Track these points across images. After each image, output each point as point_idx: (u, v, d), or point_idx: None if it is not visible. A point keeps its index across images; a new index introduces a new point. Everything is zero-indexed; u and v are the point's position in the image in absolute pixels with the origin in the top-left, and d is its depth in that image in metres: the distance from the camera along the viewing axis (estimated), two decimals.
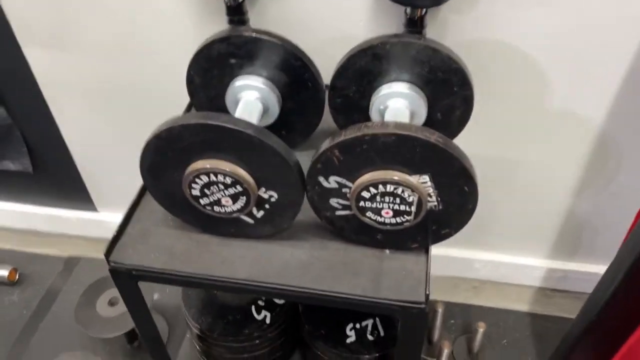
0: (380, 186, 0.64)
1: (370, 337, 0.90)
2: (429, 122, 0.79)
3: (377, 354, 0.88)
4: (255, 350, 0.94)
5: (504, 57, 0.99)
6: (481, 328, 1.32)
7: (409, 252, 0.74)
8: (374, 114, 0.79)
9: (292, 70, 0.78)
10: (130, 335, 1.43)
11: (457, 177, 0.63)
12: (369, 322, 0.92)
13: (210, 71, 0.80)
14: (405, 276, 0.71)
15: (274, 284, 0.71)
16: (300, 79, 0.79)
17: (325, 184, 0.67)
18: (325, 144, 0.64)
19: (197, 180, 0.67)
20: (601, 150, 1.10)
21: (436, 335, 1.40)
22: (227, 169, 0.65)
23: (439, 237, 0.71)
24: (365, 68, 0.76)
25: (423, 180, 0.64)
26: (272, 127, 0.83)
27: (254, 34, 0.75)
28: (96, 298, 1.35)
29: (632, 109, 1.02)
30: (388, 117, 0.76)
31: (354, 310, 0.93)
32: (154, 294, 1.55)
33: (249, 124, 0.63)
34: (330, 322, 0.92)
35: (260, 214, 0.72)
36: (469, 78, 0.75)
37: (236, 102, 0.80)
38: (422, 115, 0.78)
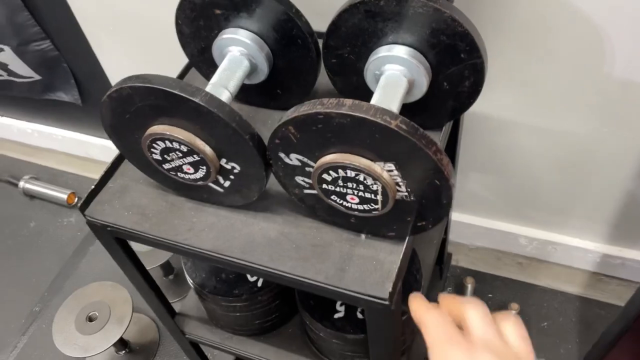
0: (340, 170, 0.56)
1: (360, 316, 0.85)
2: (435, 92, 0.69)
3: (363, 335, 0.83)
4: (246, 310, 0.92)
5: (557, 14, 0.82)
6: (514, 310, 1.22)
7: (385, 239, 0.66)
8: (369, 79, 0.70)
9: (280, 25, 0.70)
10: (166, 269, 1.49)
11: (425, 169, 0.53)
12: None
13: (197, 21, 0.73)
14: (374, 267, 0.64)
15: (236, 258, 0.67)
16: (288, 34, 0.70)
17: (287, 160, 0.60)
18: (281, 120, 0.56)
19: (154, 145, 0.63)
20: None
21: None
22: (182, 137, 0.60)
23: (415, 229, 0.63)
24: (358, 26, 0.66)
25: (389, 169, 0.55)
26: (265, 86, 0.77)
27: None
28: None
29: None
30: (382, 85, 0.66)
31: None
32: None
33: (197, 91, 0.57)
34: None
35: (227, 183, 0.67)
36: (477, 44, 0.62)
37: (223, 57, 0.73)
38: (422, 84, 0.67)
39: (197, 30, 0.75)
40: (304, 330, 0.97)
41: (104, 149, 1.61)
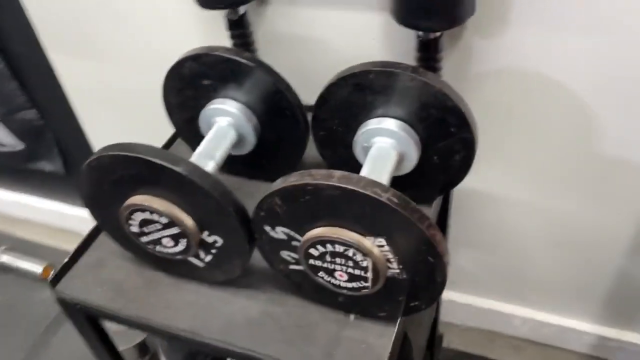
0: (329, 245, 0.53)
1: None
2: (425, 166, 0.67)
3: None
4: None
5: (542, 92, 0.83)
6: None
7: (375, 320, 0.62)
8: (358, 152, 0.68)
9: (269, 97, 0.69)
10: (141, 349, 1.40)
11: (418, 244, 0.51)
12: None
13: (184, 92, 0.73)
14: (364, 351, 0.59)
15: (215, 339, 0.62)
16: (277, 106, 0.69)
17: (272, 234, 0.57)
18: (267, 192, 0.54)
19: (132, 217, 0.60)
20: None
21: None
22: (162, 209, 0.57)
23: (408, 310, 0.59)
24: (347, 99, 0.65)
25: (379, 244, 0.52)
26: (252, 157, 0.75)
27: (224, 54, 0.67)
28: None
29: None
30: (371, 157, 0.65)
31: None
32: None
33: (180, 160, 0.55)
34: None
35: (208, 258, 0.63)
36: (467, 118, 0.62)
37: (210, 127, 0.72)
38: (412, 157, 0.65)
39: (185, 101, 0.74)
40: None
41: (84, 220, 1.57)
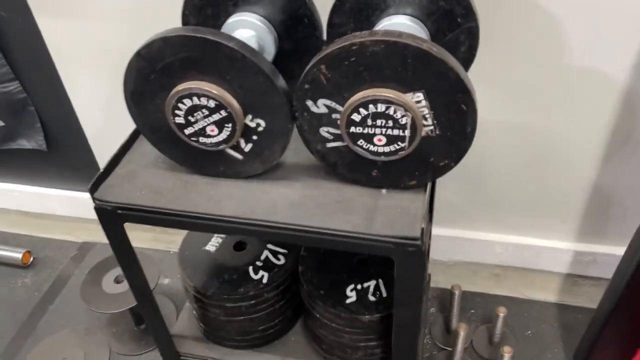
0: (371, 106, 0.60)
1: (371, 298, 0.84)
2: None
3: (378, 315, 0.82)
4: (251, 312, 0.89)
5: (512, 5, 0.93)
6: (502, 313, 1.23)
7: (406, 190, 0.68)
8: None
9: (287, 6, 0.75)
10: (137, 317, 1.40)
11: (453, 92, 0.58)
12: (372, 283, 0.86)
13: (204, 10, 0.77)
14: (400, 213, 0.66)
15: (261, 220, 0.67)
16: (295, 15, 0.76)
17: (314, 108, 0.63)
18: (312, 62, 0.60)
19: (180, 105, 0.64)
20: (626, 112, 1.02)
21: (454, 323, 1.32)
22: (211, 90, 0.62)
23: (438, 171, 0.66)
24: (362, 1, 0.73)
25: (417, 99, 0.59)
26: None
27: None
28: (102, 275, 1.33)
29: None
30: None
31: (354, 267, 0.89)
32: (163, 278, 1.53)
33: (232, 38, 0.60)
34: (330, 282, 0.87)
35: (248, 147, 0.68)
36: (473, 7, 0.70)
37: None
38: None
39: (205, 20, 0.79)
40: (310, 333, 0.94)
41: (65, 201, 1.55)
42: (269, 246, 0.94)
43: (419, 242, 0.63)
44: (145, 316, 0.90)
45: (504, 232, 1.31)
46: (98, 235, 1.62)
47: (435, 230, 1.33)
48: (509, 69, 1.02)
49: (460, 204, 1.29)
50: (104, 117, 1.34)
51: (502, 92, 1.05)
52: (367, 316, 0.83)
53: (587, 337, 1.16)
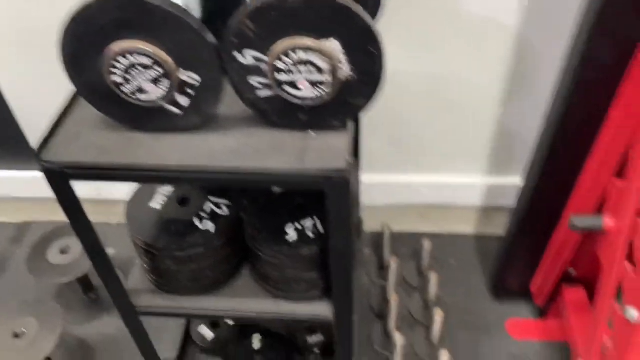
0: (293, 54, 0.68)
1: (310, 235, 0.94)
2: None
3: (316, 248, 0.92)
4: (201, 260, 0.96)
5: None
6: (427, 246, 1.37)
7: (332, 131, 0.77)
8: None
9: None
10: (86, 286, 1.43)
11: (363, 38, 0.67)
12: (309, 221, 0.96)
13: None
14: (327, 150, 0.75)
15: (203, 167, 0.74)
16: None
17: (241, 60, 0.70)
18: (236, 17, 0.66)
19: (115, 64, 0.69)
20: (519, 56, 1.16)
21: (386, 259, 1.45)
22: (144, 48, 0.67)
23: (357, 110, 0.75)
24: None
25: (332, 45, 0.67)
26: None
27: None
28: (46, 249, 1.35)
29: (544, 9, 1.08)
30: None
31: (293, 210, 0.98)
32: (107, 249, 1.56)
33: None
34: (271, 225, 0.95)
35: (185, 101, 0.74)
36: None
37: None
38: None
39: None
40: (258, 273, 1.03)
41: None
42: (212, 199, 1.01)
43: (345, 173, 0.73)
44: (99, 273, 0.95)
45: (426, 173, 1.44)
46: (35, 214, 1.62)
47: (365, 178, 1.45)
48: (414, 23, 1.12)
49: (385, 152, 1.40)
50: (31, 94, 1.33)
51: (410, 45, 1.16)
52: (306, 250, 0.92)
53: (498, 260, 1.32)
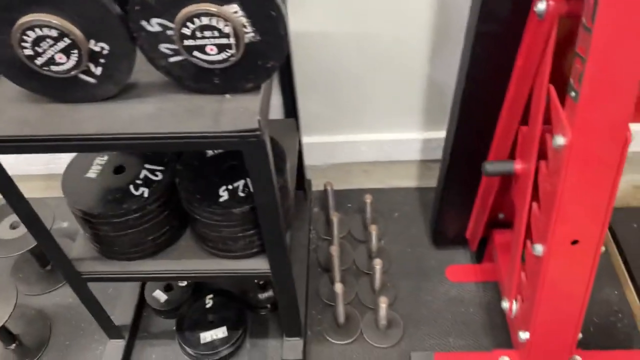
0: (196, 19, 0.70)
1: (241, 194, 0.98)
2: None
3: (247, 207, 0.97)
4: (138, 225, 1.00)
5: None
6: (368, 200, 1.43)
7: (246, 93, 0.81)
8: None
9: None
10: (41, 259, 1.46)
11: (262, 2, 0.70)
12: (240, 182, 1.00)
13: None
14: (242, 112, 0.79)
15: (122, 134, 0.77)
16: None
17: (149, 28, 0.73)
18: None
19: (25, 37, 0.71)
20: (440, 10, 1.20)
21: (331, 215, 1.50)
22: (51, 20, 0.69)
23: (268, 72, 0.78)
24: None
25: (233, 10, 0.70)
26: None
27: None
28: None
29: None
30: None
31: (224, 172, 1.02)
32: (61, 222, 1.59)
33: None
34: (204, 187, 0.99)
35: (98, 70, 0.77)
36: None
37: None
38: None
39: None
40: (197, 235, 1.07)
41: None
42: (147, 165, 1.04)
43: (258, 133, 0.77)
44: (40, 243, 0.98)
45: (366, 132, 1.49)
46: None
47: (308, 139, 1.49)
48: None
49: (325, 112, 1.44)
50: None
51: (336, 6, 1.19)
52: (238, 209, 0.97)
53: (434, 210, 1.39)
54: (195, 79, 0.79)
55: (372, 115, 1.44)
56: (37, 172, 1.62)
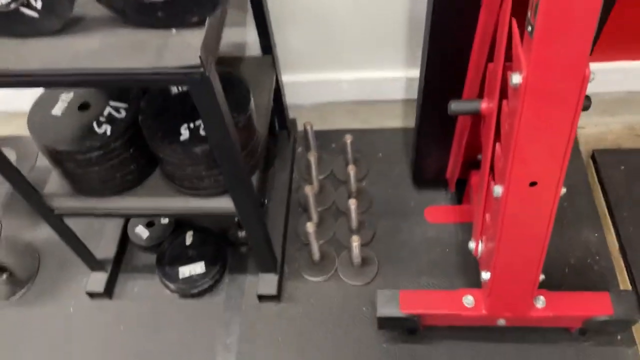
0: None
1: (202, 133, 0.98)
2: None
3: (207, 145, 0.97)
4: (103, 162, 1.01)
5: None
6: (348, 140, 1.42)
7: (192, 28, 0.79)
8: None
9: None
10: None
11: None
12: (201, 121, 0.99)
13: None
14: (186, 48, 0.77)
15: (65, 69, 0.76)
16: None
17: None
18: None
19: None
20: None
21: (310, 155, 1.50)
22: None
23: (212, 3, 0.76)
24: None
25: None
26: None
27: None
28: None
29: None
30: None
31: (186, 111, 1.01)
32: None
33: None
34: (166, 126, 0.99)
35: (38, 3, 0.75)
36: None
37: None
38: None
39: None
40: (164, 173, 1.08)
41: None
42: (111, 103, 1.04)
43: (201, 70, 0.75)
44: (9, 181, 1.00)
45: (348, 70, 1.45)
46: None
47: (290, 78, 1.46)
48: None
49: (306, 50, 1.40)
50: None
51: None
52: (199, 147, 0.97)
53: (415, 151, 1.37)
54: (138, 12, 0.77)
55: (354, 52, 1.40)
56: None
